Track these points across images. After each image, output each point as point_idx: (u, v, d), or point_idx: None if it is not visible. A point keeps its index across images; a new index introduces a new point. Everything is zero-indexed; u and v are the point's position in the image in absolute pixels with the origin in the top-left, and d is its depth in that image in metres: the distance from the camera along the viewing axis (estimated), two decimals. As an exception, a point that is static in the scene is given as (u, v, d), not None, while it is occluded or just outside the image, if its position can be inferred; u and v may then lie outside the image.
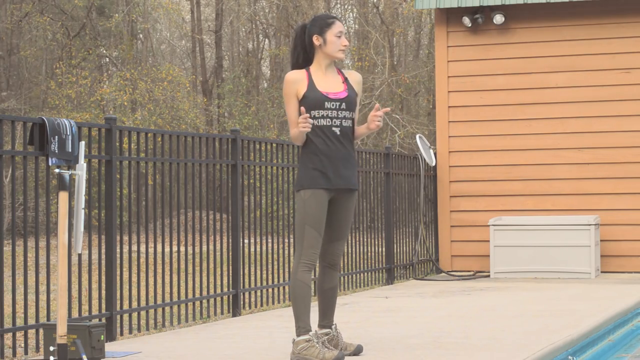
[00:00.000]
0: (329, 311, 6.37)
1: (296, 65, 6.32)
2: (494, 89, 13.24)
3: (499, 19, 13.03)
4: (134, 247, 12.54)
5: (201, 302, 8.56)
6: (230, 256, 9.04)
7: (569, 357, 6.78)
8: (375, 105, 6.33)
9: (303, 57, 6.30)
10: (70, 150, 6.83)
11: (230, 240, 9.03)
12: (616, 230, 12.74)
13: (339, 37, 6.25)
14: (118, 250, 7.57)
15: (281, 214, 10.82)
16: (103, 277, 7.44)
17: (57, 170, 5.85)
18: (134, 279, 7.91)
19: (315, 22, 6.28)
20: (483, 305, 9.37)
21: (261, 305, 9.45)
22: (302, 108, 6.11)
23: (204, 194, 9.93)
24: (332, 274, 6.34)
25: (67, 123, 6.86)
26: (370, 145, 24.47)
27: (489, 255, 12.66)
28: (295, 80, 6.21)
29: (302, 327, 6.09)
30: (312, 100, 6.18)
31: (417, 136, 13.29)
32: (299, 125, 6.08)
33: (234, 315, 8.89)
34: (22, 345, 6.97)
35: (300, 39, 6.32)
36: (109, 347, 6.86)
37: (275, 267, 9.82)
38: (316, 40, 6.25)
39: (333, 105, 6.21)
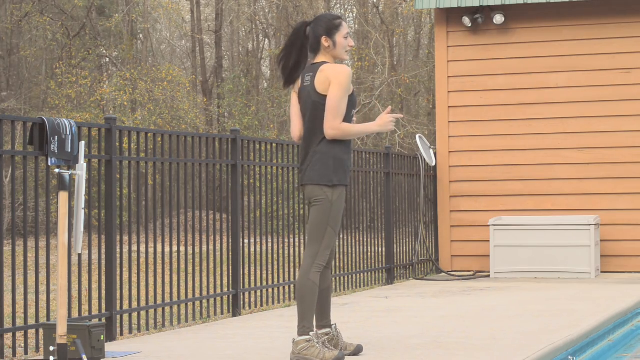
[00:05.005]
0: (327, 311, 6.36)
1: (284, 60, 6.18)
2: (494, 89, 13.24)
3: (499, 19, 13.03)
4: (134, 247, 12.55)
5: (201, 302, 8.56)
6: (230, 256, 9.04)
7: (569, 357, 6.78)
8: (388, 108, 6.37)
9: (295, 56, 6.17)
10: (70, 150, 6.83)
11: (230, 240, 9.02)
12: (616, 230, 12.74)
13: (346, 38, 6.22)
14: (118, 250, 7.57)
15: (281, 214, 10.82)
16: (103, 277, 7.44)
17: (57, 170, 5.85)
18: (134, 279, 7.91)
19: (321, 23, 6.17)
20: (483, 305, 9.37)
21: (261, 305, 9.44)
22: (392, 108, 6.19)
23: (204, 194, 9.93)
24: (327, 273, 6.34)
25: (67, 123, 6.86)
26: (370, 145, 24.46)
27: (489, 255, 12.66)
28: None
29: (306, 327, 6.08)
30: (354, 101, 6.26)
31: (417, 136, 13.29)
32: (391, 121, 6.15)
33: (234, 315, 8.88)
34: (22, 345, 6.97)
35: (298, 37, 6.18)
36: (109, 347, 6.86)
37: (275, 267, 9.82)
38: (325, 41, 6.15)
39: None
